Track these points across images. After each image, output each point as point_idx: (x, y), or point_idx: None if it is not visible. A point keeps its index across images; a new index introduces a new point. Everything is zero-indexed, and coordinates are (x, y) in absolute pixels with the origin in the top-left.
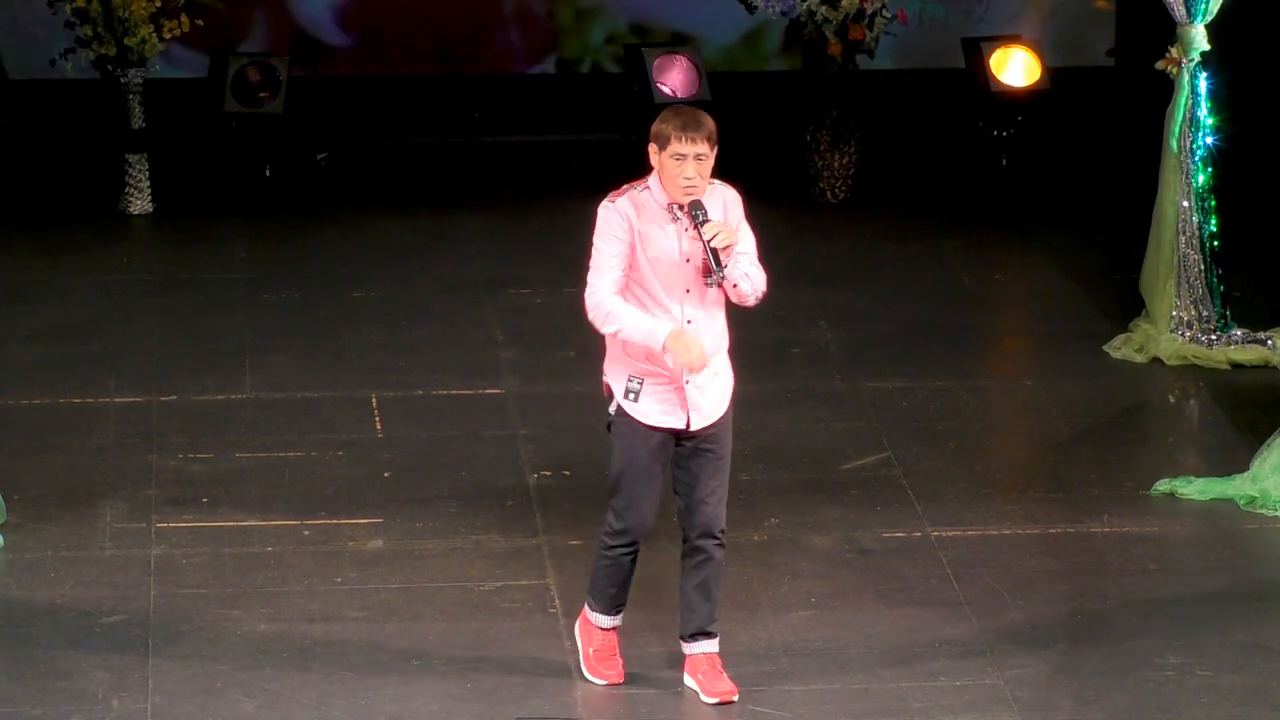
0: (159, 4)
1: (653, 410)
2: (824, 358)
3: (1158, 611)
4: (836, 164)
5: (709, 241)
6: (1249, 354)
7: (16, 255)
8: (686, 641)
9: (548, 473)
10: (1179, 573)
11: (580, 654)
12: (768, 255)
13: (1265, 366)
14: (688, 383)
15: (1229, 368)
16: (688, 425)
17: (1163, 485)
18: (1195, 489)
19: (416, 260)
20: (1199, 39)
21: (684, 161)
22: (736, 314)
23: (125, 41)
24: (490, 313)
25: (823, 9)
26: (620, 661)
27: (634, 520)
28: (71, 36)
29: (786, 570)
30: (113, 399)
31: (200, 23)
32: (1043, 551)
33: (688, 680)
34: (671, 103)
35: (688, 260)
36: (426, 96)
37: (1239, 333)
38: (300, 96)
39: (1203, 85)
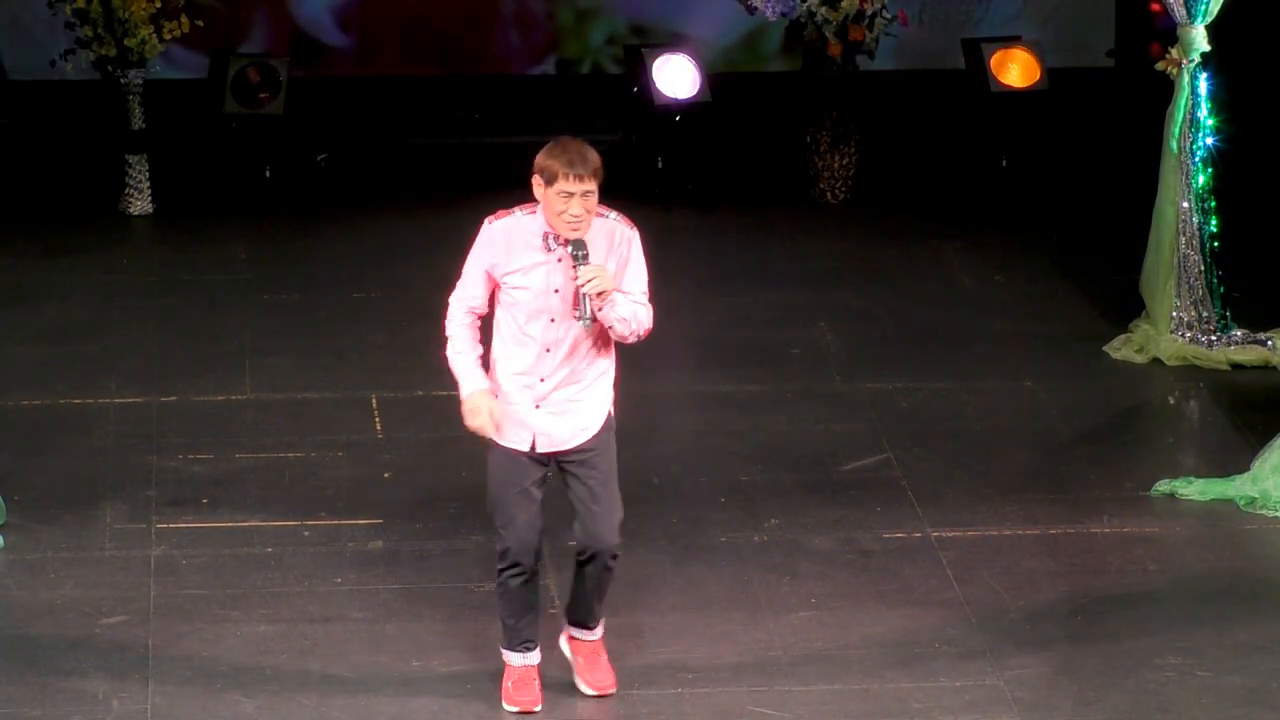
0: (159, 5)
1: (505, 429)
2: (824, 358)
3: (1158, 611)
4: (836, 164)
5: (580, 287)
6: (1249, 354)
7: (16, 255)
8: (567, 624)
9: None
10: (1179, 573)
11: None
12: (768, 256)
13: (1265, 367)
14: (537, 408)
15: (1229, 368)
16: (533, 448)
17: (1163, 486)
18: (1195, 490)
19: (416, 260)
20: (1199, 39)
21: (570, 199)
22: (736, 314)
23: (125, 42)
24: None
25: (823, 10)
26: (537, 689)
27: (512, 539)
28: (71, 37)
29: (786, 570)
30: (113, 399)
31: (200, 23)
32: (1043, 551)
33: (564, 648)
34: (674, 104)
35: (555, 291)
36: (426, 96)
37: (1239, 333)
38: (300, 97)
39: (1203, 86)
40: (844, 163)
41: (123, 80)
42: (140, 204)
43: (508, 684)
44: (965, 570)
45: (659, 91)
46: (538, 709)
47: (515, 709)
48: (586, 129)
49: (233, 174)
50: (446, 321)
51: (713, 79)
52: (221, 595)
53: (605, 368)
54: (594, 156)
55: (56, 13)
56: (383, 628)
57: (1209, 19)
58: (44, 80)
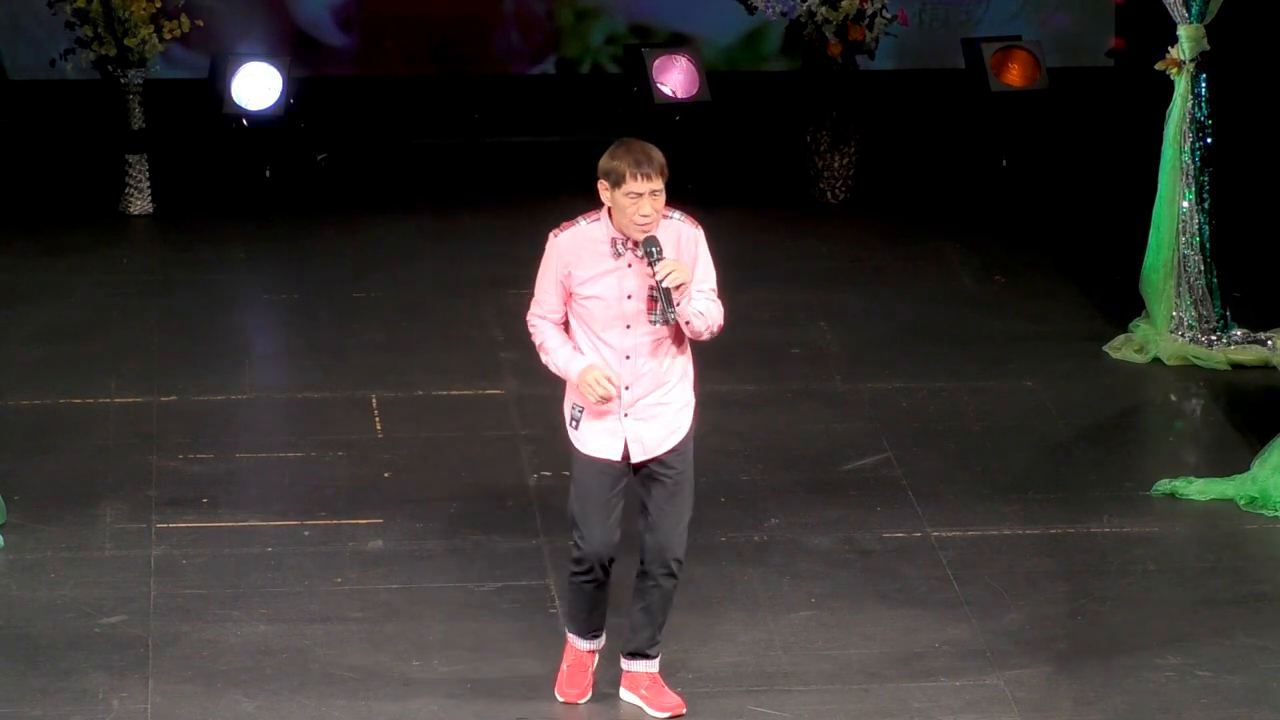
0: (159, 4)
1: (591, 439)
2: (824, 358)
3: (1158, 611)
4: (836, 164)
5: (660, 281)
6: (1249, 354)
7: (16, 255)
8: (625, 658)
9: (548, 473)
10: (1179, 573)
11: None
12: (768, 256)
13: (1265, 366)
14: (626, 415)
15: (1229, 368)
16: (625, 456)
17: (1163, 485)
18: (1195, 489)
19: (416, 260)
20: (1199, 39)
21: (640, 200)
22: (736, 314)
23: (125, 42)
24: (490, 313)
25: (823, 9)
26: (588, 682)
27: (588, 548)
28: (71, 37)
29: (786, 570)
30: (113, 399)
31: (200, 23)
32: (1043, 551)
33: (625, 695)
34: (674, 104)
35: (629, 297)
36: (426, 96)
37: (1239, 333)
38: (300, 97)
39: (1203, 86)
40: (844, 163)
41: (122, 80)
42: (140, 204)
43: (563, 667)
44: (965, 570)
45: (659, 91)
46: (583, 701)
47: (561, 699)
48: (586, 129)
49: (233, 174)
50: (533, 334)
51: (712, 78)
52: (221, 595)
53: (685, 367)
54: (658, 155)
55: (56, 12)
56: (383, 628)
57: (1209, 19)
58: (44, 80)
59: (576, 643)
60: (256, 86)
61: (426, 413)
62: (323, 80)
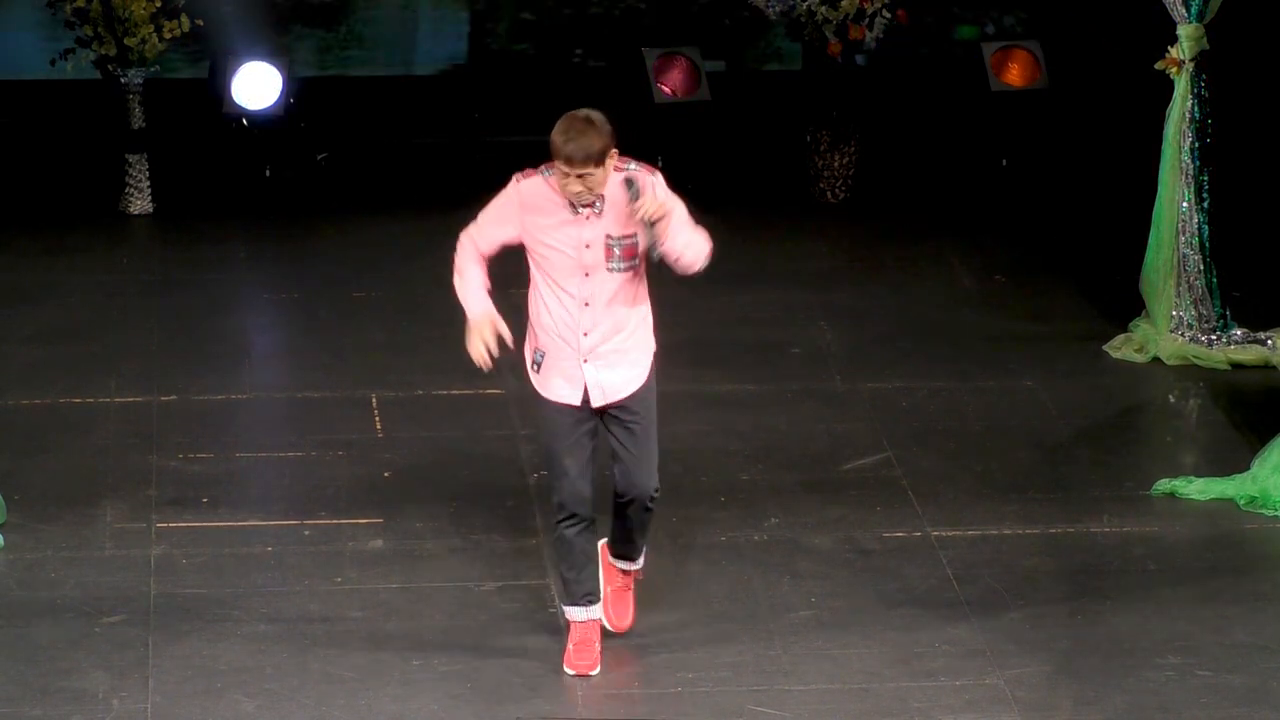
0: (159, 4)
1: (553, 384)
2: (824, 358)
3: (1158, 611)
4: (836, 164)
5: (641, 218)
6: (1249, 354)
7: (16, 255)
8: (611, 556)
9: (548, 473)
10: (1179, 573)
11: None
12: (768, 256)
13: (1265, 366)
14: (586, 361)
15: (1229, 368)
16: (585, 402)
17: (1163, 485)
18: (1195, 489)
19: (416, 260)
20: (1199, 39)
21: (568, 179)
22: (736, 314)
23: (125, 41)
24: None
25: (823, 9)
26: (597, 654)
27: (567, 491)
28: (71, 37)
29: (786, 570)
30: (113, 399)
31: (200, 22)
32: (1043, 551)
33: (601, 579)
34: (672, 102)
35: (587, 246)
36: (426, 96)
37: (1239, 333)
38: (300, 96)
39: (1203, 85)
40: (844, 162)
41: (123, 79)
42: (140, 203)
43: (569, 645)
44: (965, 570)
45: (659, 90)
46: (594, 673)
47: (572, 672)
48: None
49: (233, 174)
50: (456, 255)
51: (712, 78)
52: (221, 595)
53: (645, 313)
54: (594, 144)
55: (56, 12)
56: (383, 628)
57: (1209, 18)
58: (44, 80)
59: (574, 614)
60: (256, 86)
61: (426, 413)
62: (323, 80)
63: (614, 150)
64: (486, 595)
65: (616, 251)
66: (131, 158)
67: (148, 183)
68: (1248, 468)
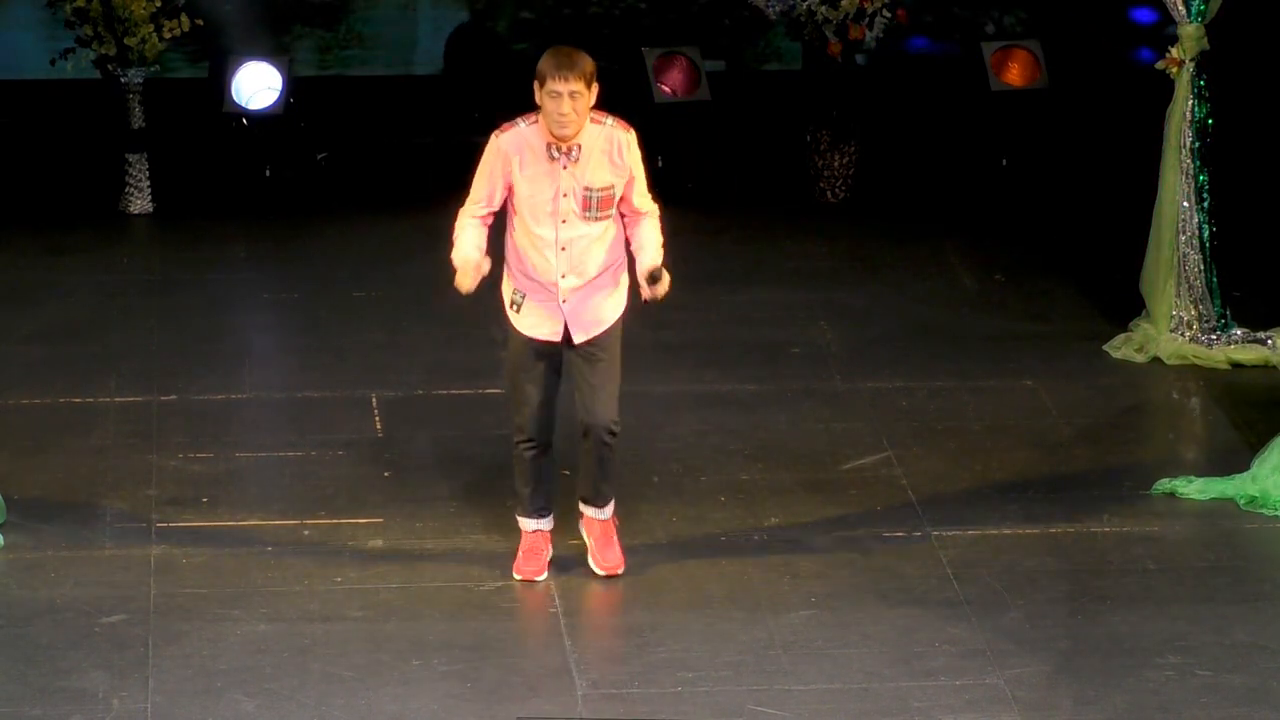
0: (159, 4)
1: (532, 322)
2: (824, 358)
3: (1158, 611)
4: (836, 164)
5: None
6: (1249, 354)
7: (16, 255)
8: (580, 503)
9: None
10: (1179, 573)
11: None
12: (768, 255)
13: (1265, 366)
14: (565, 302)
15: (1229, 368)
16: (565, 339)
17: (1163, 485)
18: (1195, 489)
19: (416, 260)
20: (1199, 39)
21: (559, 99)
22: (736, 314)
23: (125, 41)
24: (490, 313)
25: (823, 9)
26: (544, 561)
27: (527, 416)
28: (71, 36)
29: (786, 570)
30: (113, 399)
31: (200, 22)
32: (1043, 551)
33: (581, 531)
34: (672, 102)
35: (564, 195)
36: (426, 96)
37: (1239, 333)
38: (300, 96)
39: (1203, 85)
40: (844, 162)
41: (123, 79)
42: (140, 203)
43: (519, 552)
44: (965, 570)
45: (659, 90)
46: (540, 579)
47: (519, 577)
48: None
49: (233, 174)
50: (455, 229)
51: (712, 78)
52: (221, 595)
53: (619, 255)
54: (584, 62)
55: (56, 12)
56: (383, 627)
57: (1208, 18)
58: (44, 80)
59: (526, 524)
60: (256, 86)
61: (426, 413)
62: (323, 80)
63: (596, 86)
64: (486, 595)
65: (594, 202)
66: (131, 157)
67: (148, 182)
68: (1248, 468)
